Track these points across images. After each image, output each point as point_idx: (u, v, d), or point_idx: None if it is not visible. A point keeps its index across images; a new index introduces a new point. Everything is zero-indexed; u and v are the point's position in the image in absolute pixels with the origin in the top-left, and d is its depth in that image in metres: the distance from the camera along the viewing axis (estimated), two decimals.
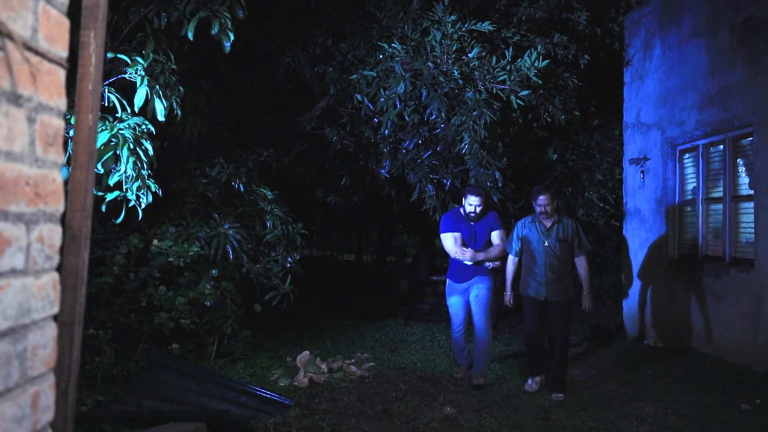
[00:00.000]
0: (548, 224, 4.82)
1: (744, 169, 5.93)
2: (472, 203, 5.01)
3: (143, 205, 3.55)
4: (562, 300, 4.78)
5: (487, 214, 5.15)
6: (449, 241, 5.08)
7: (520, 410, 4.37)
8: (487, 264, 5.07)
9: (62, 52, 0.96)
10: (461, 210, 5.14)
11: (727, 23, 5.98)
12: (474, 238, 5.12)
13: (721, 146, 6.17)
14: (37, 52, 0.89)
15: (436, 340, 6.88)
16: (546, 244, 4.78)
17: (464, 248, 5.04)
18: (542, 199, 4.76)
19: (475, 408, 4.40)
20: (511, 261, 5.00)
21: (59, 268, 1.01)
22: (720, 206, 6.20)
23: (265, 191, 5.41)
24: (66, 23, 0.97)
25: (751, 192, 5.64)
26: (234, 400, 4.09)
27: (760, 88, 5.50)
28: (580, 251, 4.86)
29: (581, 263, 4.88)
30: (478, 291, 5.04)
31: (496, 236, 5.12)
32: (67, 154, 2.31)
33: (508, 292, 5.05)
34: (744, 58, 5.73)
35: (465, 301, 5.14)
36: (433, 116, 5.86)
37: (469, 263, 5.01)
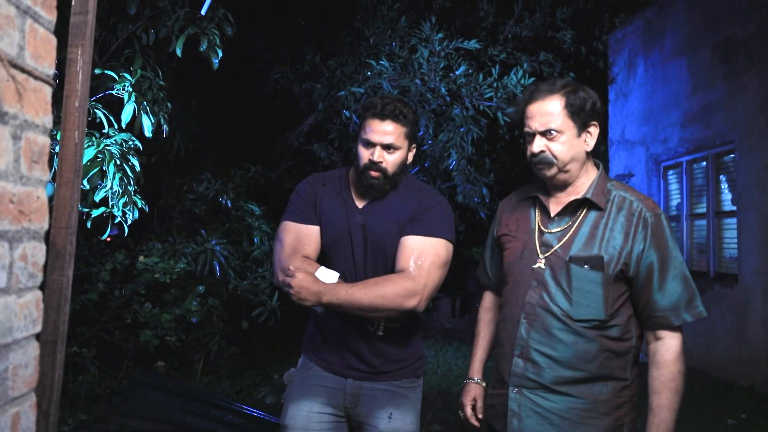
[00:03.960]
0: (555, 206, 1.74)
1: (727, 185, 6.02)
2: (374, 138, 1.86)
3: (129, 221, 3.53)
4: None
5: (409, 186, 2.00)
6: (277, 243, 1.98)
7: None
8: (375, 325, 1.96)
9: (49, 69, 0.96)
10: (348, 172, 2.04)
11: (708, 42, 6.10)
12: (347, 244, 1.95)
13: (704, 163, 6.27)
14: (23, 70, 0.89)
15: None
16: (537, 263, 1.69)
17: (298, 270, 1.72)
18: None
19: (463, 425, 4.37)
20: (486, 306, 2.08)
21: (42, 286, 1.00)
22: (704, 222, 6.28)
23: (253, 207, 5.40)
24: (53, 41, 0.97)
25: (734, 208, 5.73)
26: (220, 419, 4.03)
27: (741, 105, 5.61)
28: (658, 312, 1.61)
29: (663, 352, 1.62)
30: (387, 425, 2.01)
31: (408, 246, 1.86)
32: (53, 170, 2.29)
33: (473, 378, 2.14)
34: (724, 76, 5.85)
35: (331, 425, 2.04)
36: (421, 132, 5.90)
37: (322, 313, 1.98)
